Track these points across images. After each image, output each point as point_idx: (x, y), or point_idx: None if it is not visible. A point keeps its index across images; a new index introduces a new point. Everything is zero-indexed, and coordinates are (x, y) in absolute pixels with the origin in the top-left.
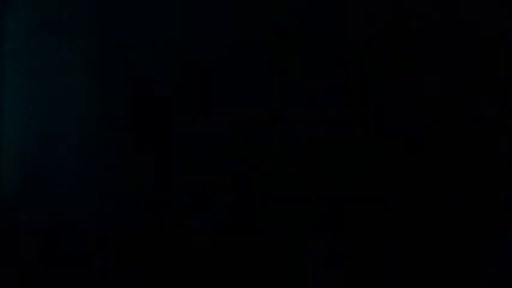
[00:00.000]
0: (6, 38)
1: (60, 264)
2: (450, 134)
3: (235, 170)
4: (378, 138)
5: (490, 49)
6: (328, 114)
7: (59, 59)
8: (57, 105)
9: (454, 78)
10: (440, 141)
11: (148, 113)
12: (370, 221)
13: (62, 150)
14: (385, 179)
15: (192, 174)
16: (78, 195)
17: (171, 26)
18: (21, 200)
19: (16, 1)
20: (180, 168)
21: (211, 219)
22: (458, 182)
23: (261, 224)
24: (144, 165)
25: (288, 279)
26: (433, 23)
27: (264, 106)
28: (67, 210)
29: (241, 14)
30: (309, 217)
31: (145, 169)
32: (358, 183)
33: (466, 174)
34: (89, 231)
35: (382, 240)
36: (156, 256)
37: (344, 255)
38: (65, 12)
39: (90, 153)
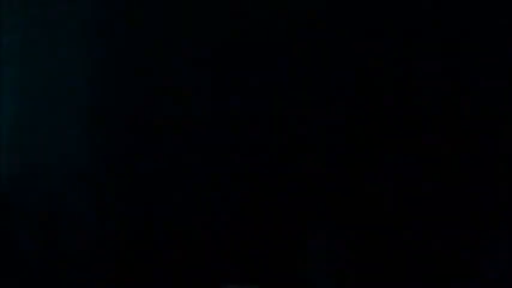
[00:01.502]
0: (3, 38)
1: (58, 259)
2: (449, 133)
3: (235, 167)
4: (377, 137)
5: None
6: (328, 113)
7: (56, 58)
8: (55, 103)
9: (453, 78)
10: (440, 141)
11: (146, 110)
12: (370, 221)
13: (59, 147)
14: (385, 179)
15: (192, 170)
16: (75, 191)
17: (170, 26)
18: (18, 197)
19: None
20: (178, 165)
21: (210, 216)
22: (457, 182)
23: (259, 222)
24: (143, 160)
25: (287, 277)
26: (432, 22)
27: (263, 103)
28: (64, 206)
29: (240, 12)
30: (308, 216)
31: (144, 164)
32: (357, 182)
33: (466, 174)
34: (87, 226)
35: (381, 239)
36: (153, 253)
37: (343, 255)
38: (63, 11)
39: (89, 149)
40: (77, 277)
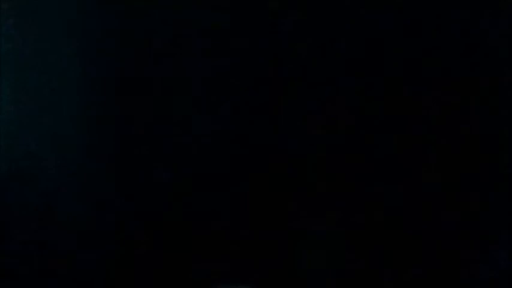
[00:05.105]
0: (2, 40)
1: (56, 259)
2: (449, 133)
3: (229, 166)
4: (376, 136)
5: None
6: (328, 114)
7: (54, 60)
8: (53, 103)
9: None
10: (439, 141)
11: (143, 110)
12: (369, 220)
13: (57, 147)
14: (385, 178)
15: (186, 169)
16: (73, 190)
17: (166, 28)
18: (10, 197)
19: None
20: (173, 165)
21: (202, 216)
22: (457, 182)
23: (252, 221)
24: (141, 160)
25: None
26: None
27: (262, 107)
28: (62, 206)
29: (241, 16)
30: (302, 215)
31: (141, 165)
32: (356, 181)
33: (465, 174)
34: (84, 226)
35: (380, 239)
36: (146, 253)
37: (339, 255)
38: (61, 11)
39: (87, 149)
40: (73, 277)
